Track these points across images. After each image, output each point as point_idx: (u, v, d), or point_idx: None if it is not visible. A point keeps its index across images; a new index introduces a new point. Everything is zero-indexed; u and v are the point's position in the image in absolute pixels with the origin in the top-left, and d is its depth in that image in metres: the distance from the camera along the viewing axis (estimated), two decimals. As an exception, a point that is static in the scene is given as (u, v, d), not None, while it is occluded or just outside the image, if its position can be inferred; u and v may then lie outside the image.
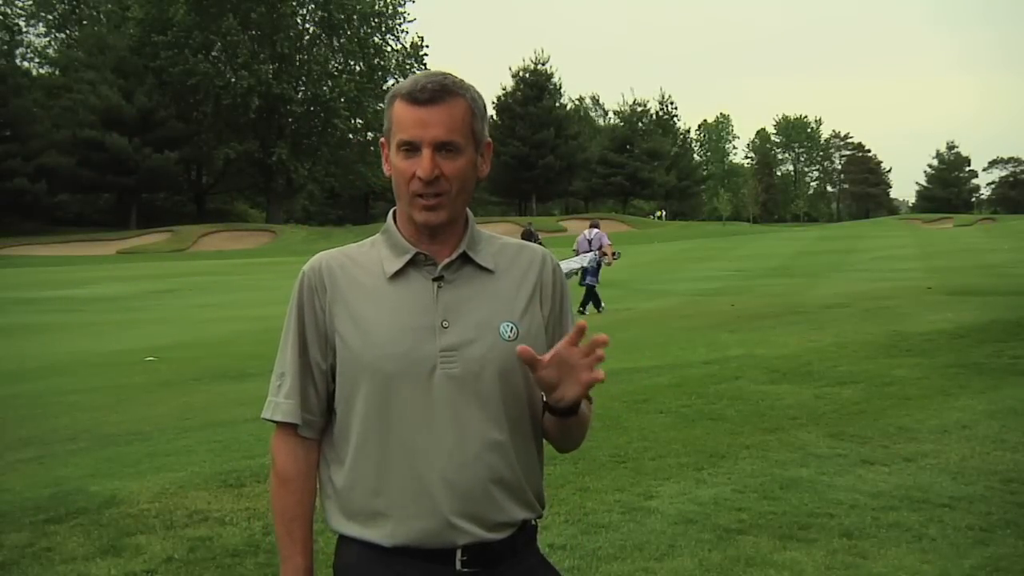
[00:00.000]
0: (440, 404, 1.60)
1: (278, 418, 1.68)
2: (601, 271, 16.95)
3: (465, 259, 1.68)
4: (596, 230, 17.18)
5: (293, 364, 1.68)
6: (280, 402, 1.68)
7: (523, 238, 22.66)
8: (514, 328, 1.65)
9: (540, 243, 25.23)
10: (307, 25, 68.79)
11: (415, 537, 1.59)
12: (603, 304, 16.60)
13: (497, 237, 1.77)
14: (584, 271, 16.55)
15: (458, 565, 1.60)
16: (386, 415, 1.61)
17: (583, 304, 16.25)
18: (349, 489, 1.64)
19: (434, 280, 1.65)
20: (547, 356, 1.54)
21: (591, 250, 16.78)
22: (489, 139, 1.70)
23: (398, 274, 1.66)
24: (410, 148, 1.60)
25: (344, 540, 1.67)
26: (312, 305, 1.68)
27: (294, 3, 66.09)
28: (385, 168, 1.69)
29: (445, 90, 1.61)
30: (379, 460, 1.62)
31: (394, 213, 1.73)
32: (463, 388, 1.61)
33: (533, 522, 1.71)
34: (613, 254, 17.24)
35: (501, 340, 1.64)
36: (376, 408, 1.62)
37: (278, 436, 1.70)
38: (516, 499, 1.65)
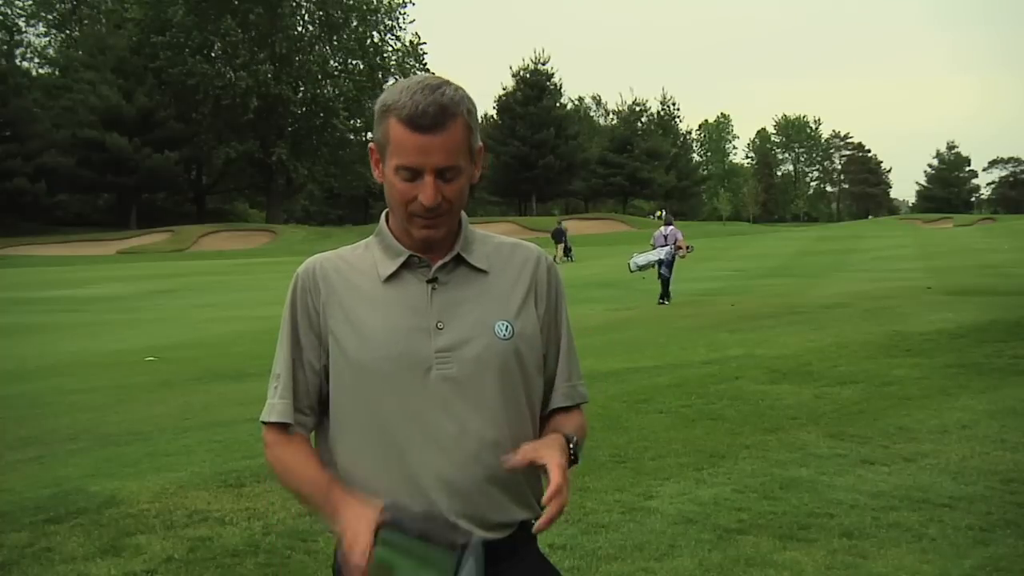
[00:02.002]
0: (437, 405, 1.60)
1: (273, 419, 1.68)
2: (676, 264, 18.49)
3: (459, 260, 1.68)
4: (671, 227, 18.72)
5: (287, 366, 1.68)
6: (275, 403, 1.68)
7: (553, 235, 26.54)
8: (509, 327, 1.65)
9: (566, 241, 28.60)
10: (306, 25, 68.80)
11: (414, 539, 1.58)
12: (672, 298, 17.85)
13: (491, 236, 1.77)
14: (661, 263, 18.07)
15: (458, 566, 1.60)
16: (382, 417, 1.61)
17: (662, 296, 17.84)
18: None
19: (428, 282, 1.65)
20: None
21: (667, 244, 18.27)
22: (480, 144, 1.69)
23: (392, 276, 1.66)
24: (411, 174, 1.59)
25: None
26: (306, 307, 1.68)
27: (292, 3, 66.07)
28: (376, 175, 1.68)
29: (445, 113, 1.57)
30: (375, 462, 1.61)
31: (387, 215, 1.73)
32: (459, 388, 1.61)
33: (532, 521, 1.70)
34: (687, 247, 18.96)
35: (497, 340, 1.64)
36: (372, 410, 1.62)
37: (269, 434, 1.69)
38: (515, 499, 1.65)
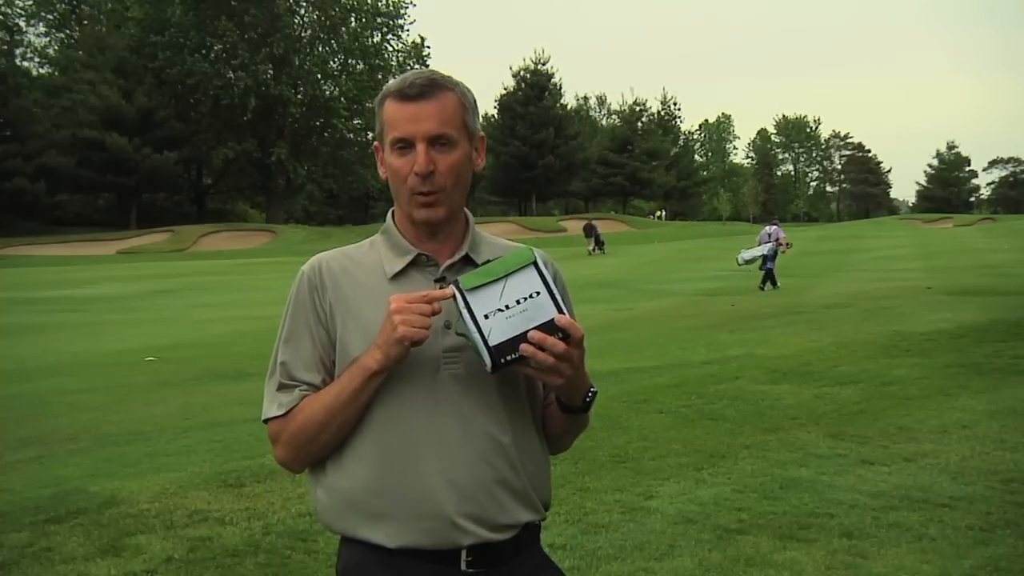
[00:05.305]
0: (444, 404, 1.60)
1: (273, 413, 1.63)
2: (778, 258, 20.96)
3: (467, 260, 1.68)
4: (775, 226, 21.54)
5: (294, 359, 1.65)
6: (277, 396, 1.64)
7: (585, 230, 30.98)
8: None
9: (599, 237, 31.98)
10: (304, 26, 68.68)
11: (419, 538, 1.58)
12: (779, 283, 20.21)
13: (496, 239, 1.78)
14: (765, 257, 20.69)
15: (463, 566, 1.60)
16: (388, 416, 1.60)
17: (763, 282, 20.26)
18: (351, 490, 1.62)
19: (436, 281, 1.65)
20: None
21: (770, 241, 20.91)
22: (482, 132, 1.71)
23: (399, 275, 1.66)
24: (404, 145, 1.61)
25: (347, 542, 1.65)
26: (313, 303, 1.66)
27: (289, 3, 65.96)
28: (381, 172, 1.69)
29: (434, 84, 1.62)
30: (381, 461, 1.60)
31: (393, 213, 1.73)
32: (467, 388, 1.60)
33: (537, 522, 1.70)
34: (788, 244, 21.90)
35: None
36: (378, 409, 1.61)
37: (275, 426, 1.64)
38: (520, 501, 1.64)
